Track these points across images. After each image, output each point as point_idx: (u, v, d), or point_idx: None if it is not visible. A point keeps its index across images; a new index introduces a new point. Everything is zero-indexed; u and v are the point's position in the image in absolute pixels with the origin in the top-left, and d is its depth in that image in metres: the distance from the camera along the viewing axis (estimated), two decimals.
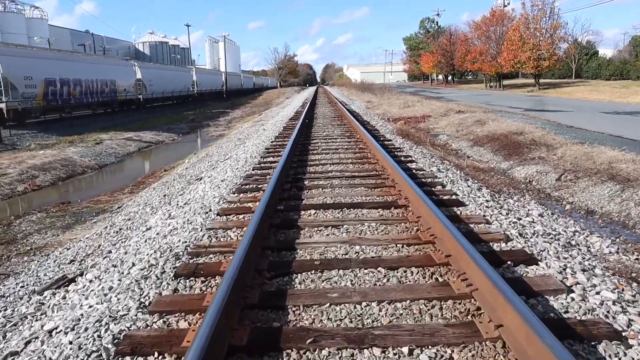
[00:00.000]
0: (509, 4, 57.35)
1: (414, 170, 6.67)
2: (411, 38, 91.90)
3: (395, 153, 8.28)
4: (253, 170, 7.25)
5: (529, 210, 5.57)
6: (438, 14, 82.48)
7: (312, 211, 4.75)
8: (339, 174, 6.57)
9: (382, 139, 10.36)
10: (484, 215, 4.50)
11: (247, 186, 6.08)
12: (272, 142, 10.66)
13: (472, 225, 4.20)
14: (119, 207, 9.65)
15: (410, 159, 7.75)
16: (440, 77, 79.73)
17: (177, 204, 6.55)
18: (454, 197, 5.25)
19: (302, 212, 4.74)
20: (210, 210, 5.07)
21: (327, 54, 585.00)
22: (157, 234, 5.00)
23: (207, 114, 38.46)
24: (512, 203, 5.94)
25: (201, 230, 4.39)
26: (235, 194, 5.68)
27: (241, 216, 4.71)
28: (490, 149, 11.30)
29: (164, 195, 8.71)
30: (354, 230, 4.15)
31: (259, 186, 5.96)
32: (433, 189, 5.61)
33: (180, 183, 9.62)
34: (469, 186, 6.07)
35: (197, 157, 14.09)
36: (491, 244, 3.75)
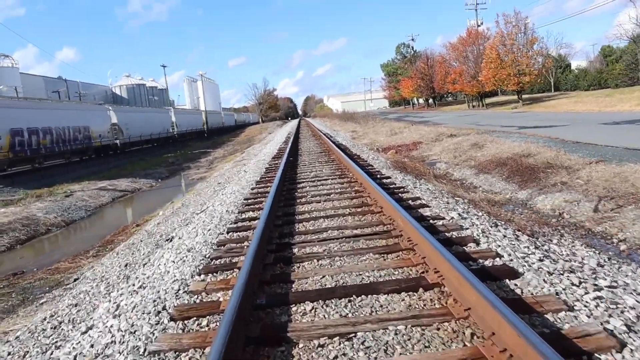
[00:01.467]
0: (482, 23, 57.53)
1: (430, 220, 5.25)
2: (389, 64, 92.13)
3: (400, 195, 6.88)
4: (228, 233, 5.73)
5: (586, 261, 4.19)
6: (413, 39, 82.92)
7: (307, 306, 3.23)
8: (337, 234, 5.06)
9: (378, 175, 8.98)
10: (557, 294, 3.09)
11: (218, 261, 4.59)
12: (252, 188, 9.18)
13: (551, 319, 2.77)
14: (75, 280, 8.21)
15: (419, 201, 6.33)
16: (421, 100, 79.45)
17: (133, 285, 5.11)
18: (498, 260, 3.83)
19: (293, 309, 3.25)
20: (165, 308, 3.59)
21: (307, 85, 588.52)
22: (92, 345, 3.54)
23: (188, 155, 37.07)
24: (559, 251, 4.60)
25: (143, 353, 2.91)
26: (201, 276, 4.19)
27: (204, 321, 3.23)
28: (500, 176, 9.99)
29: (126, 265, 7.30)
30: (375, 344, 2.65)
31: (233, 260, 4.49)
32: (465, 248, 4.19)
33: (148, 246, 8.20)
34: (505, 236, 4.67)
35: (172, 207, 12.64)
36: (601, 357, 2.33)
